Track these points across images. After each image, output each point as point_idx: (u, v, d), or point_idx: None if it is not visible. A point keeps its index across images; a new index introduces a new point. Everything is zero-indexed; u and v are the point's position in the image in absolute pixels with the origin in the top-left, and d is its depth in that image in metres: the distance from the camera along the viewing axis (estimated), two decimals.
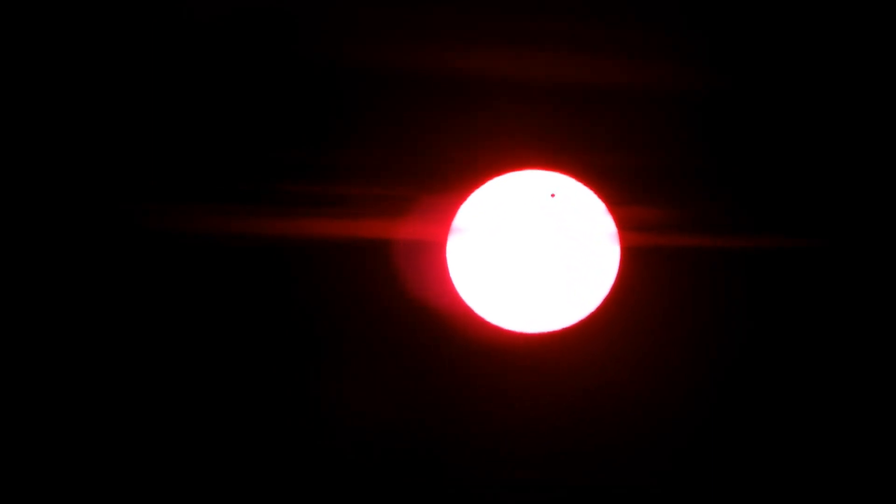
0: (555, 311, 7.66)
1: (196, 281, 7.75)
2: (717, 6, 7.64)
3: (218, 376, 7.75)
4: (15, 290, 7.69)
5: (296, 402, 7.76)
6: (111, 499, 7.66)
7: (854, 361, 7.81)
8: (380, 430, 7.75)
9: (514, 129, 7.68)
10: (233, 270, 7.74)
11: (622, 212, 7.65)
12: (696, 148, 7.71)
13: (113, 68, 7.68)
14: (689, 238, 7.71)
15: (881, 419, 7.79)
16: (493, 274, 7.64)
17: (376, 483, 7.76)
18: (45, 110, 7.68)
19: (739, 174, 7.76)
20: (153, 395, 7.74)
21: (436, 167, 7.66)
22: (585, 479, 7.79)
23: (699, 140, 7.71)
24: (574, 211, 7.63)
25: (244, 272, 7.74)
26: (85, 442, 7.70)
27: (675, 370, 7.80)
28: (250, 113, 7.72)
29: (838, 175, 7.76)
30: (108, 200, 7.67)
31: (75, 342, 7.71)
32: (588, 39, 7.60)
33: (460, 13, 7.60)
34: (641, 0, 7.61)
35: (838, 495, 7.75)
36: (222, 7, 7.64)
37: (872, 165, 7.75)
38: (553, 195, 7.55)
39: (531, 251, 7.62)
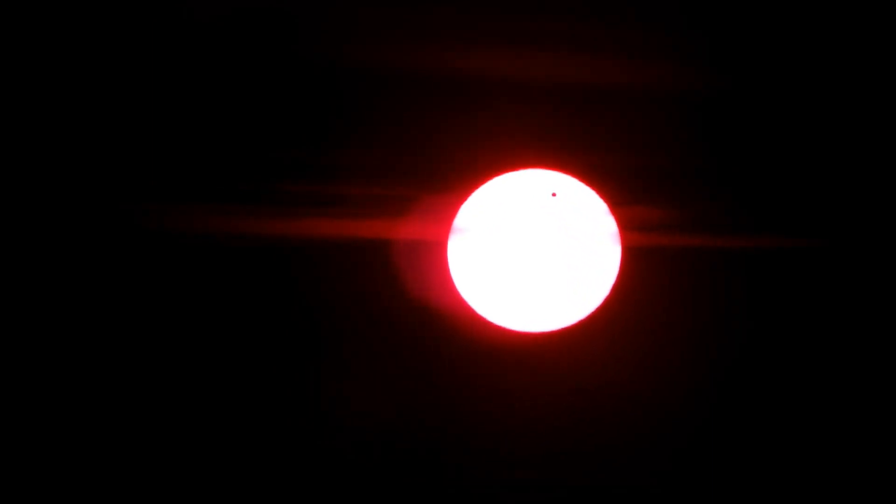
0: (555, 311, 7.66)
1: (196, 281, 7.74)
2: (717, 6, 7.64)
3: (219, 376, 7.75)
4: (15, 289, 7.68)
5: (297, 401, 7.76)
6: (111, 499, 7.66)
7: (854, 361, 7.82)
8: (381, 430, 7.75)
9: (514, 128, 7.68)
10: (233, 271, 7.74)
11: (623, 212, 7.65)
12: (696, 148, 7.72)
13: (113, 68, 7.67)
14: (690, 238, 7.72)
15: (881, 419, 7.79)
16: (493, 273, 7.64)
17: (377, 483, 7.76)
18: (45, 110, 7.67)
19: (739, 174, 7.76)
20: (154, 395, 7.74)
21: (436, 167, 7.67)
22: (585, 479, 7.79)
23: (699, 140, 7.71)
24: (575, 210, 7.64)
25: (244, 272, 7.74)
26: (86, 442, 7.69)
27: (676, 370, 7.80)
28: (250, 113, 7.72)
29: (838, 175, 7.77)
30: (108, 200, 7.66)
31: (76, 342, 7.71)
32: (588, 39, 7.60)
33: (460, 13, 7.60)
34: (642, 0, 7.62)
35: (838, 495, 7.75)
36: (222, 7, 7.63)
37: (872, 165, 7.76)
38: (554, 194, 7.56)
39: (532, 250, 7.62)
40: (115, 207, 7.66)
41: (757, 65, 7.69)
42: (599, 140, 7.70)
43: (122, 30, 7.65)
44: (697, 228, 7.72)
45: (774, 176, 7.77)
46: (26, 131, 7.67)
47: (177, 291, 7.74)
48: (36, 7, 7.63)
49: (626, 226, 7.65)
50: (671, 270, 7.75)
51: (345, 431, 7.76)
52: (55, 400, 7.69)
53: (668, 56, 7.60)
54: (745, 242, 7.76)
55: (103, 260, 7.70)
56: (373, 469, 7.76)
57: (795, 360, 7.83)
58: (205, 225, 7.65)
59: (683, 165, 7.71)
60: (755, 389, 7.83)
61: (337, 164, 7.68)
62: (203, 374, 7.74)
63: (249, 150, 7.71)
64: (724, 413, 7.82)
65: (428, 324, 7.73)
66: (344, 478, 7.76)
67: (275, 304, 7.76)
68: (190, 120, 7.69)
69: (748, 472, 7.81)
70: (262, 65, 7.69)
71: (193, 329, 7.74)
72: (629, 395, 7.81)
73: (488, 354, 7.76)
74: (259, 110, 7.72)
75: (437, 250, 7.68)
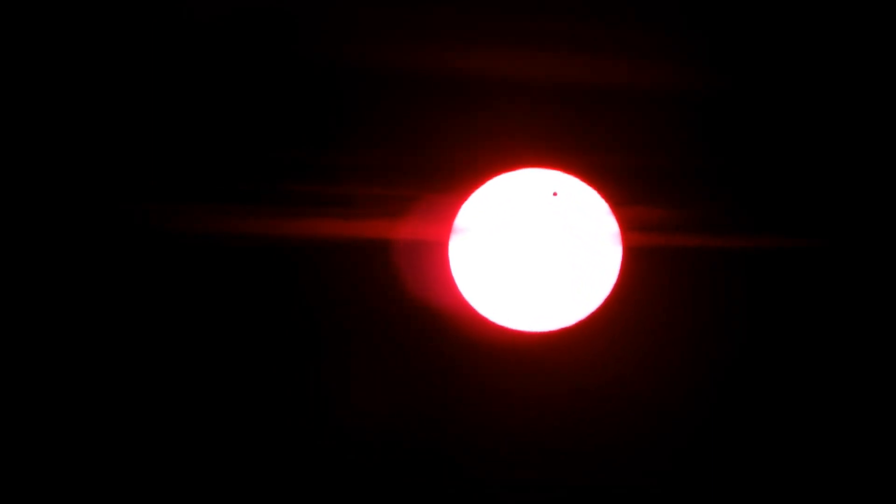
0: (556, 311, 7.66)
1: (196, 281, 7.74)
2: (717, 6, 7.65)
3: (219, 377, 7.75)
4: (15, 289, 7.67)
5: (297, 401, 7.76)
6: (112, 499, 7.65)
7: (854, 361, 7.82)
8: (381, 429, 7.75)
9: (515, 128, 7.68)
10: (233, 271, 7.73)
11: (625, 212, 7.66)
12: (696, 148, 7.72)
13: (113, 68, 7.67)
14: (690, 238, 7.72)
15: (881, 419, 7.80)
16: (494, 273, 7.64)
17: (378, 482, 7.76)
18: (45, 110, 7.67)
19: (740, 174, 7.77)
20: (155, 395, 7.73)
21: (437, 166, 7.66)
22: (585, 479, 7.79)
23: (700, 140, 7.72)
24: (577, 210, 7.64)
25: (245, 272, 7.74)
26: (86, 442, 7.69)
27: (676, 370, 7.80)
28: (250, 113, 7.72)
29: (838, 175, 7.77)
30: (109, 200, 7.66)
31: (76, 342, 7.70)
32: (589, 39, 7.60)
33: (460, 13, 7.60)
34: (642, 0, 7.62)
35: (838, 495, 7.75)
36: (222, 7, 7.63)
37: (872, 165, 7.76)
38: (555, 194, 7.56)
39: (533, 250, 7.62)
40: (115, 207, 7.65)
41: (757, 65, 7.70)
42: (601, 140, 7.70)
43: (122, 30, 7.65)
44: (698, 228, 7.72)
45: (774, 176, 7.78)
46: (26, 131, 7.66)
47: (177, 292, 7.74)
48: (36, 7, 7.63)
49: (627, 226, 7.66)
50: (672, 270, 7.75)
51: (345, 431, 7.75)
52: (56, 400, 7.69)
53: (669, 56, 7.61)
54: (745, 242, 7.76)
55: (104, 260, 7.69)
56: (373, 469, 7.76)
57: (795, 360, 7.83)
58: (205, 225, 7.65)
59: (684, 165, 7.71)
60: (755, 389, 7.83)
61: (337, 164, 7.68)
62: (204, 375, 7.74)
63: (249, 150, 7.71)
64: (724, 413, 7.82)
65: (429, 323, 7.73)
66: (345, 478, 7.76)
67: (275, 304, 7.75)
68: (190, 120, 7.69)
69: (748, 472, 7.81)
70: (263, 65, 7.69)
71: (194, 329, 7.74)
72: (629, 395, 7.81)
73: (489, 354, 7.76)
74: (259, 110, 7.72)
75: (438, 250, 7.68)
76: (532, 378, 7.79)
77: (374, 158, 7.68)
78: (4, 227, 7.64)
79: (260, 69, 7.69)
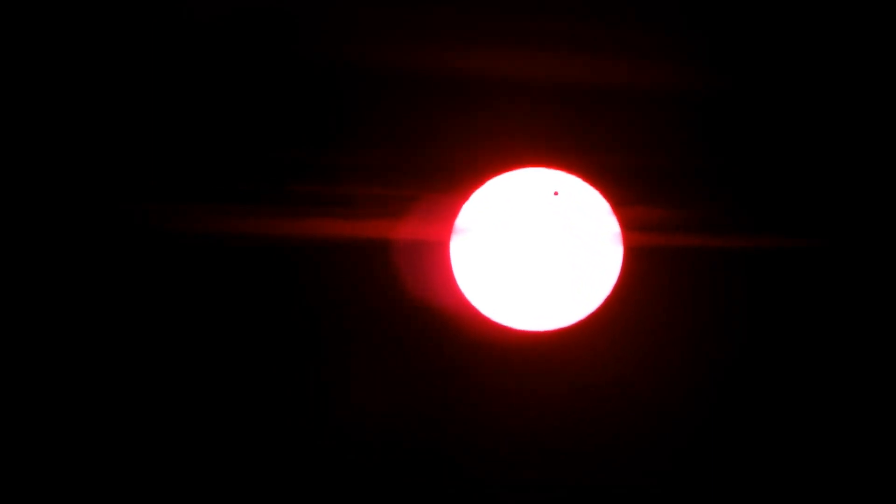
0: (557, 310, 7.67)
1: (197, 281, 7.74)
2: (719, 6, 7.65)
3: (220, 377, 7.74)
4: (15, 289, 7.67)
5: (298, 401, 7.76)
6: (112, 499, 7.65)
7: (854, 361, 7.82)
8: (382, 429, 7.75)
9: (516, 128, 7.68)
10: (234, 271, 7.73)
11: (626, 212, 7.66)
12: (696, 148, 7.72)
13: (113, 68, 7.67)
14: (690, 238, 7.72)
15: (881, 419, 7.80)
16: (496, 272, 7.64)
17: (379, 482, 7.76)
18: (45, 110, 7.66)
19: (740, 174, 7.77)
20: (155, 395, 7.73)
21: (438, 166, 7.67)
22: (585, 479, 7.79)
23: (700, 140, 7.72)
24: (578, 210, 7.64)
25: (245, 273, 7.73)
26: (87, 442, 7.68)
27: (676, 370, 7.80)
28: (250, 113, 7.71)
29: (838, 175, 7.77)
30: (109, 200, 7.66)
31: (76, 342, 7.70)
32: (589, 39, 7.61)
33: (460, 13, 7.60)
34: (643, 0, 7.63)
35: (838, 495, 7.76)
36: (222, 7, 7.63)
37: (872, 165, 7.77)
38: (556, 193, 7.56)
39: (534, 249, 7.62)
40: (115, 207, 7.65)
41: (758, 65, 7.70)
42: (601, 140, 7.71)
43: (122, 30, 7.65)
44: (698, 228, 7.73)
45: (774, 176, 7.78)
46: (27, 131, 7.66)
47: (177, 292, 7.74)
48: (36, 7, 7.62)
49: (628, 226, 7.66)
50: (672, 270, 7.75)
51: (346, 431, 7.75)
52: (56, 400, 7.68)
53: (669, 56, 7.61)
54: (745, 242, 7.76)
55: (104, 260, 7.69)
56: (374, 468, 7.76)
57: (795, 360, 7.84)
58: (205, 225, 7.64)
59: (685, 165, 7.71)
60: (755, 389, 7.83)
61: (338, 164, 7.68)
62: (204, 375, 7.74)
63: (249, 150, 7.71)
64: (724, 413, 7.82)
65: (429, 322, 7.73)
66: (346, 477, 7.75)
67: (276, 304, 7.75)
68: (190, 120, 7.69)
69: (748, 472, 7.81)
70: (263, 65, 7.68)
71: (194, 329, 7.74)
72: (629, 395, 7.82)
73: (490, 353, 7.76)
74: (259, 110, 7.72)
75: (439, 249, 7.68)
76: (532, 377, 7.79)
77: (375, 158, 7.68)
78: (4, 227, 7.64)
79: (260, 69, 7.69)
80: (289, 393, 7.76)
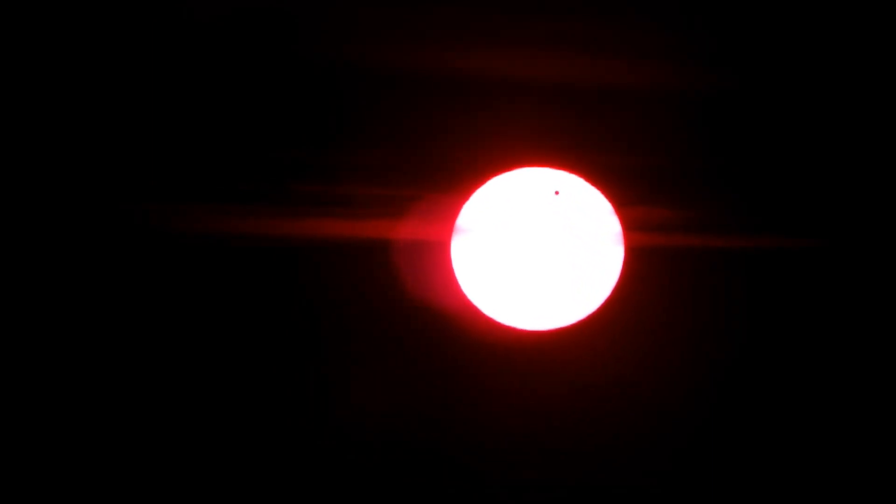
0: (558, 309, 7.67)
1: (197, 281, 7.74)
2: (722, 6, 7.65)
3: (220, 377, 7.74)
4: (15, 289, 7.67)
5: (299, 402, 7.76)
6: (112, 499, 7.65)
7: (854, 361, 7.82)
8: (383, 429, 7.75)
9: (516, 128, 7.68)
10: (234, 271, 7.73)
11: (628, 212, 7.66)
12: (697, 148, 7.72)
13: (113, 68, 7.66)
14: (690, 238, 7.72)
15: (881, 419, 7.80)
16: (496, 271, 7.64)
17: (380, 482, 7.76)
18: (45, 110, 7.66)
19: (739, 174, 7.77)
20: (155, 395, 7.73)
21: (439, 166, 7.67)
22: (585, 479, 7.79)
23: (700, 140, 7.72)
24: (579, 209, 7.64)
25: (245, 272, 7.73)
26: (86, 442, 7.68)
27: (676, 370, 7.80)
28: (251, 113, 7.71)
29: (838, 175, 7.78)
30: (109, 200, 7.65)
31: (76, 342, 7.70)
32: (590, 39, 7.61)
33: (460, 13, 7.60)
34: (647, 0, 7.63)
35: (838, 495, 7.76)
36: (222, 7, 7.63)
37: (872, 165, 7.77)
38: (557, 192, 7.56)
39: (535, 249, 7.62)
40: (115, 207, 7.65)
41: (759, 65, 7.70)
42: (602, 140, 7.71)
43: (122, 30, 7.65)
44: (699, 229, 7.73)
45: (775, 176, 7.78)
46: (26, 131, 7.65)
47: (177, 292, 7.74)
48: (36, 7, 7.62)
49: (630, 226, 7.66)
50: (673, 270, 7.76)
51: (347, 431, 7.75)
52: (57, 400, 7.68)
53: (670, 56, 7.61)
54: (745, 242, 7.77)
55: (104, 260, 7.69)
56: (375, 468, 7.76)
57: (795, 360, 7.84)
58: (205, 225, 7.64)
59: (686, 166, 7.71)
60: (755, 389, 7.84)
61: (338, 164, 7.68)
62: (205, 375, 7.74)
63: (249, 150, 7.70)
64: (724, 413, 7.83)
65: (430, 322, 7.73)
66: (346, 477, 7.75)
67: (277, 304, 7.75)
68: (190, 120, 7.68)
69: (748, 472, 7.81)
70: (263, 65, 7.68)
71: (194, 329, 7.74)
72: (630, 394, 7.82)
73: (490, 352, 7.76)
74: (259, 110, 7.72)
75: (440, 249, 7.68)
76: (533, 377, 7.79)
77: (375, 158, 7.68)
78: (4, 227, 7.64)
79: (260, 69, 7.68)
80: (289, 393, 7.75)
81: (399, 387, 7.75)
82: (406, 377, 7.75)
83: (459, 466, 7.79)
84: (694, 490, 7.78)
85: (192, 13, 7.63)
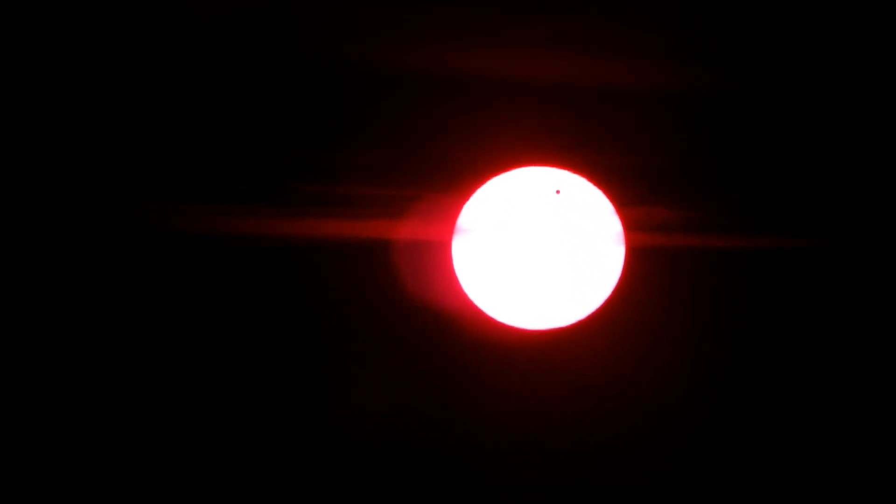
0: (559, 308, 7.67)
1: (197, 281, 7.73)
2: (723, 6, 7.65)
3: (220, 377, 7.74)
4: (15, 290, 7.67)
5: (299, 402, 7.76)
6: (112, 499, 7.65)
7: (854, 361, 7.83)
8: (384, 429, 7.75)
9: (517, 127, 7.68)
10: (234, 271, 7.73)
11: (629, 212, 7.66)
12: (696, 148, 7.73)
13: (113, 68, 7.66)
14: (691, 238, 7.72)
15: (881, 419, 7.80)
16: (497, 270, 7.64)
17: (380, 482, 7.76)
18: (45, 110, 7.66)
19: (739, 174, 7.78)
20: (156, 395, 7.72)
21: (440, 166, 7.67)
22: (585, 479, 7.79)
23: (701, 140, 7.72)
24: (580, 209, 7.64)
25: (245, 272, 7.73)
26: (86, 442, 7.68)
27: (677, 369, 7.81)
28: (251, 113, 7.71)
29: (838, 175, 7.78)
30: (108, 200, 7.65)
31: (76, 343, 7.69)
32: (590, 39, 7.61)
33: (460, 13, 7.60)
34: (647, 0, 7.63)
35: (838, 495, 7.76)
36: (222, 7, 7.63)
37: (872, 165, 7.77)
38: (558, 191, 7.56)
39: (536, 248, 7.62)
40: (115, 207, 7.65)
41: (759, 65, 7.71)
42: (603, 140, 7.71)
43: (122, 30, 7.64)
44: (699, 229, 7.73)
45: (775, 176, 7.78)
46: (26, 131, 7.65)
47: (177, 292, 7.73)
48: (36, 7, 7.62)
49: (631, 226, 7.66)
50: (674, 270, 7.76)
51: (349, 430, 7.75)
52: (57, 400, 7.68)
53: (671, 56, 7.62)
54: (745, 242, 7.77)
55: (104, 260, 7.68)
56: (375, 468, 7.75)
57: (795, 360, 7.84)
58: (205, 225, 7.64)
59: (686, 166, 7.72)
60: (755, 389, 7.84)
61: (338, 164, 7.68)
62: (205, 375, 7.73)
63: (249, 150, 7.70)
64: (724, 413, 7.83)
65: (431, 321, 7.73)
66: (347, 477, 7.75)
67: (277, 304, 7.75)
68: (190, 120, 7.68)
69: (748, 472, 7.81)
70: (263, 65, 7.68)
71: (194, 329, 7.73)
72: (630, 394, 7.82)
73: (491, 351, 7.76)
74: (259, 110, 7.71)
75: (440, 248, 7.68)
76: (533, 377, 7.79)
77: (375, 158, 7.68)
78: (4, 227, 7.64)
79: (260, 69, 7.68)
80: (289, 393, 7.75)
81: (399, 387, 7.75)
82: (406, 377, 7.75)
83: (459, 466, 7.79)
84: (694, 490, 7.78)
85: (192, 13, 7.63)
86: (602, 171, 7.66)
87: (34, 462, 7.65)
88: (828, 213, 7.79)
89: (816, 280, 7.82)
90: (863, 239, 7.77)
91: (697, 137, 7.71)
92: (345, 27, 7.63)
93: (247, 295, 7.75)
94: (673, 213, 7.69)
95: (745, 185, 7.77)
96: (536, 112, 7.66)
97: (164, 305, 7.73)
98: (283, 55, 7.66)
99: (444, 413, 7.78)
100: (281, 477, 7.73)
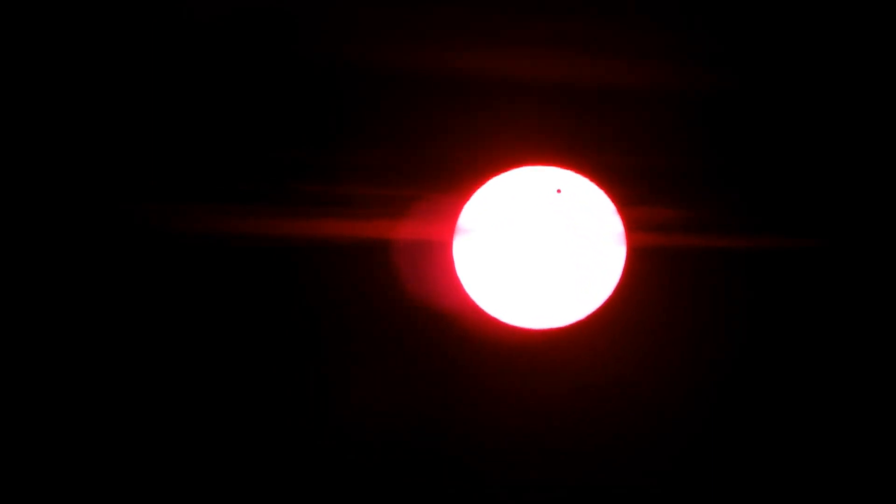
0: (559, 308, 7.67)
1: (197, 282, 7.73)
2: (723, 6, 7.66)
3: (220, 377, 7.74)
4: (15, 290, 7.66)
5: (299, 402, 7.75)
6: (112, 499, 7.64)
7: (854, 361, 7.83)
8: (384, 428, 7.74)
9: (517, 127, 7.68)
10: (234, 271, 7.73)
11: (630, 212, 7.66)
12: (696, 148, 7.73)
13: (113, 68, 7.66)
14: (691, 238, 7.72)
15: (881, 419, 7.81)
16: (498, 270, 7.64)
17: (380, 482, 7.75)
18: (45, 110, 7.65)
19: (739, 174, 7.78)
20: (155, 395, 7.72)
21: (440, 166, 7.67)
22: (585, 479, 7.79)
23: (701, 140, 7.72)
24: (581, 208, 7.64)
25: (245, 272, 7.73)
26: (86, 442, 7.67)
27: (677, 369, 7.81)
28: (250, 113, 7.71)
29: (838, 175, 7.78)
30: (108, 200, 7.65)
31: (76, 343, 7.69)
32: (590, 39, 7.61)
33: (460, 13, 7.60)
34: (647, 0, 7.63)
35: (838, 495, 7.76)
36: (222, 7, 7.63)
37: (872, 165, 7.77)
38: (559, 191, 7.56)
39: (537, 247, 7.62)
40: (115, 207, 7.64)
41: (759, 65, 7.71)
42: (604, 139, 7.71)
43: (122, 30, 7.64)
44: (700, 229, 7.73)
45: (775, 176, 7.79)
46: (26, 131, 7.65)
47: (177, 292, 7.73)
48: (36, 7, 7.62)
49: (632, 226, 7.66)
50: (674, 270, 7.76)
51: (347, 431, 7.75)
52: (56, 400, 7.67)
53: (672, 56, 7.62)
54: (745, 242, 7.77)
55: (103, 260, 7.68)
56: (375, 468, 7.75)
57: (795, 361, 7.84)
58: (205, 225, 7.64)
59: (687, 166, 7.72)
60: (755, 390, 7.84)
61: (338, 164, 7.68)
62: (204, 375, 7.73)
63: (249, 150, 7.70)
64: (724, 413, 7.83)
65: (432, 320, 7.73)
66: (346, 477, 7.75)
67: (276, 304, 7.75)
68: (190, 120, 7.68)
69: (748, 472, 7.81)
70: (263, 65, 7.68)
71: (194, 329, 7.73)
72: (630, 394, 7.82)
73: (491, 351, 7.76)
74: (259, 110, 7.71)
75: (441, 248, 7.67)
76: (534, 376, 7.79)
77: (375, 158, 7.68)
78: (4, 227, 7.63)
79: (260, 69, 7.68)
80: (289, 393, 7.75)
81: (399, 387, 7.75)
82: (406, 377, 7.75)
83: (459, 466, 7.79)
84: (694, 490, 7.78)
85: (192, 13, 7.63)
86: (603, 171, 7.66)
87: (34, 462, 7.64)
88: (828, 213, 7.79)
89: (816, 280, 7.82)
90: (863, 239, 7.78)
91: (697, 137, 7.71)
92: (345, 27, 7.63)
93: (247, 295, 7.74)
94: (675, 212, 7.69)
95: (745, 185, 7.77)
96: (536, 112, 7.66)
97: (165, 305, 7.73)
98: (283, 55, 7.66)
99: (444, 413, 7.78)
100: (281, 477, 7.72)
